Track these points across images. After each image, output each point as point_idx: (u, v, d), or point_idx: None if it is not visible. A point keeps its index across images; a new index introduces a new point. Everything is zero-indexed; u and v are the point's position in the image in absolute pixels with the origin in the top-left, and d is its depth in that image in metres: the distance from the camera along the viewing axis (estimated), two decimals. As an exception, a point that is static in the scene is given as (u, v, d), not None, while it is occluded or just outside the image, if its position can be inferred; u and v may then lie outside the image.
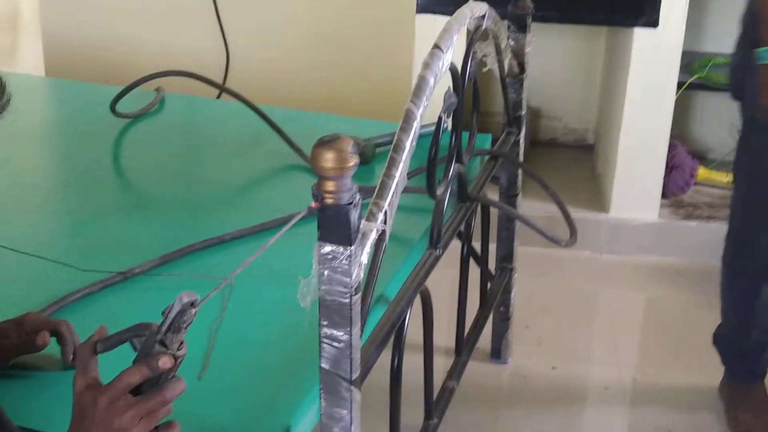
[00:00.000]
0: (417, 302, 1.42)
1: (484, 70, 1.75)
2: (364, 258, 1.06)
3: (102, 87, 2.31)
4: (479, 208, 1.78)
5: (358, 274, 1.04)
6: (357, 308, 1.04)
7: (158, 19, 3.18)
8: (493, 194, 1.97)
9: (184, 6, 3.15)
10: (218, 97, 2.73)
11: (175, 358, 0.97)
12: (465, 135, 1.59)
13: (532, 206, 2.58)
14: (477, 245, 1.83)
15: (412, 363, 1.45)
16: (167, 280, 1.43)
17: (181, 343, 0.98)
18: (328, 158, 0.98)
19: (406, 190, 1.22)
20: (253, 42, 3.14)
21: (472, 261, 1.79)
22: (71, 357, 1.18)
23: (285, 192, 1.79)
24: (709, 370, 2.17)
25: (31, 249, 1.48)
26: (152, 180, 1.87)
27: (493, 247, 2.00)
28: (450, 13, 1.51)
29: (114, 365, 1.00)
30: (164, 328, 0.97)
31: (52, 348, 1.19)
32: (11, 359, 1.20)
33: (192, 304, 0.97)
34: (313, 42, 3.12)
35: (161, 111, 2.15)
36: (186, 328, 0.97)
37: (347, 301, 1.03)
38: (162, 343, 0.97)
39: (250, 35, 3.14)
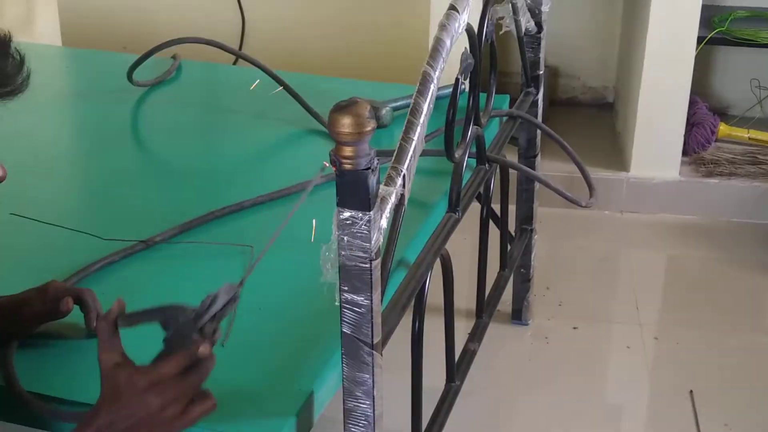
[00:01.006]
0: (437, 265, 1.42)
1: (501, 32, 1.73)
2: (384, 222, 1.06)
3: (118, 55, 2.31)
4: (498, 170, 1.77)
5: (378, 239, 1.04)
6: (377, 273, 1.04)
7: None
8: (512, 155, 1.96)
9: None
10: (234, 63, 2.72)
11: (212, 343, 0.98)
12: (483, 96, 1.58)
13: (551, 166, 2.57)
14: (496, 207, 1.82)
15: (433, 325, 1.45)
16: (188, 248, 1.44)
17: (217, 328, 0.99)
18: (345, 123, 0.97)
19: (424, 153, 1.21)
20: (269, 7, 3.13)
21: (491, 223, 1.78)
22: (94, 324, 1.18)
23: (303, 157, 1.79)
24: (731, 328, 2.17)
25: (53, 218, 1.48)
26: (171, 148, 1.87)
27: (512, 209, 1.99)
28: (466, -27, 1.49)
29: (135, 336, 1.01)
30: (205, 318, 0.98)
31: (76, 316, 1.20)
32: (35, 327, 1.21)
33: (234, 298, 0.98)
34: (329, 6, 3.10)
35: (178, 78, 2.15)
36: (224, 317, 0.99)
37: (367, 266, 1.03)
38: (200, 330, 0.98)
39: (265, 1, 3.12)
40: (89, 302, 1.20)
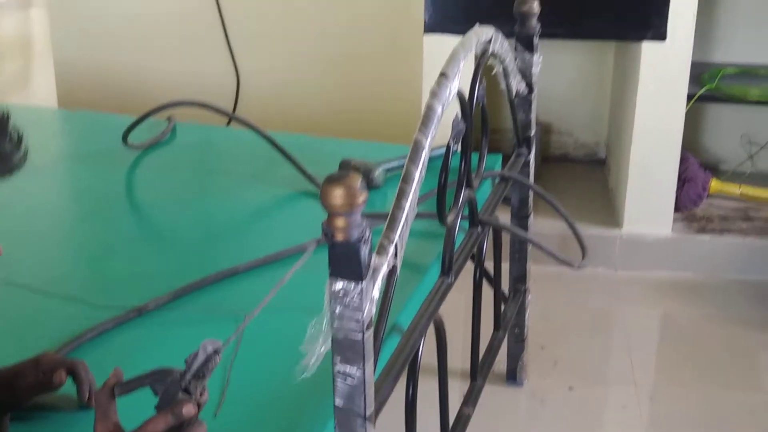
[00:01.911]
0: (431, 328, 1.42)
1: (495, 75, 1.75)
2: (376, 292, 1.06)
3: (113, 117, 2.33)
4: (491, 231, 1.78)
5: (370, 309, 1.04)
6: (370, 344, 1.04)
7: (169, 45, 3.20)
8: (504, 214, 1.97)
9: (194, 33, 3.17)
10: (227, 124, 2.74)
11: (198, 404, 0.98)
12: (475, 156, 1.59)
13: (545, 224, 2.58)
14: (489, 264, 1.82)
15: (427, 387, 1.44)
16: (182, 315, 1.43)
17: (204, 388, 0.99)
18: (337, 195, 0.98)
19: (417, 216, 1.22)
20: (263, 67, 3.16)
21: (485, 282, 1.78)
22: (87, 397, 1.18)
23: (297, 219, 1.80)
24: (726, 386, 2.16)
25: (45, 285, 1.48)
26: (165, 211, 1.87)
27: (506, 267, 1.99)
28: (457, 32, 1.52)
29: (131, 406, 1.01)
30: (188, 376, 0.98)
31: (68, 387, 1.20)
32: (28, 399, 1.20)
33: (215, 352, 0.98)
34: (323, 65, 3.13)
35: (173, 140, 2.16)
36: (209, 374, 0.99)
37: (359, 337, 1.03)
38: (185, 389, 0.98)
39: (259, 60, 3.16)
40: (82, 374, 1.19)
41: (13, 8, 2.81)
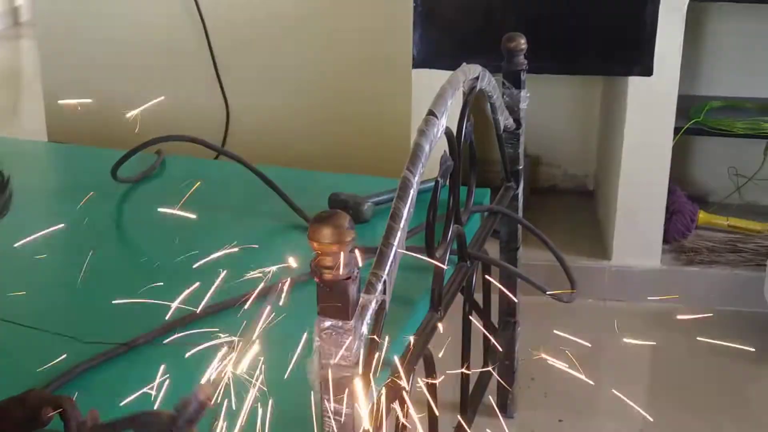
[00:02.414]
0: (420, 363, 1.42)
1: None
2: (365, 329, 1.07)
3: (102, 151, 2.33)
4: (480, 264, 1.78)
5: (359, 346, 1.04)
6: (359, 382, 1.04)
7: (159, 78, 3.21)
8: (493, 247, 1.98)
9: (184, 67, 3.19)
10: (216, 157, 2.75)
11: None
12: (464, 189, 1.60)
13: (534, 255, 2.57)
14: (479, 296, 1.83)
15: (418, 420, 1.44)
16: (171, 350, 1.43)
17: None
18: (326, 234, 0.99)
19: (406, 250, 1.23)
20: (253, 101, 3.17)
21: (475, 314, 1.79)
22: (74, 434, 1.17)
23: (287, 252, 1.79)
24: (716, 418, 2.16)
25: (32, 321, 1.48)
26: (154, 245, 1.87)
27: (495, 298, 2.00)
28: (446, 67, 1.54)
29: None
30: (180, 422, 0.98)
31: (56, 424, 1.19)
32: (14, 438, 1.19)
33: (208, 399, 0.98)
34: (312, 100, 3.15)
35: (162, 174, 2.16)
36: (199, 420, 0.99)
37: (348, 374, 1.03)
38: None
39: (249, 94, 3.17)
40: (69, 411, 1.18)
41: (2, 40, 2.82)
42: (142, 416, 1.01)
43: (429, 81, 2.45)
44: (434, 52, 2.54)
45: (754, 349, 2.44)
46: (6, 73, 2.81)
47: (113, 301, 1.60)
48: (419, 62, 2.56)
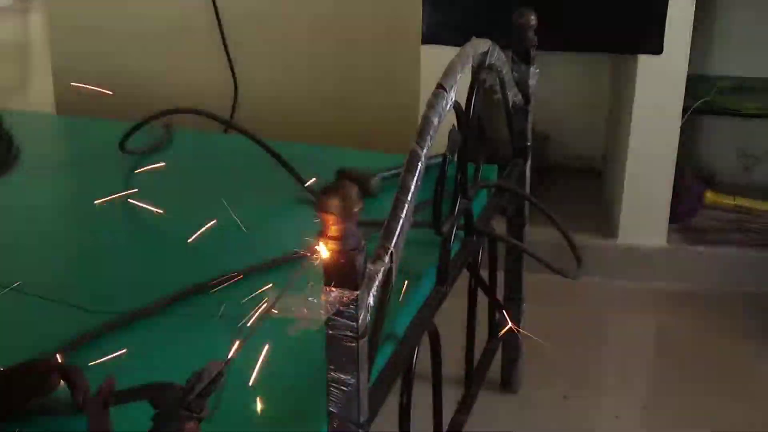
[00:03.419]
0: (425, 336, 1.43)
1: (495, 97, 1.76)
2: (371, 301, 1.07)
3: (110, 123, 2.33)
4: (487, 240, 1.79)
5: (365, 317, 1.05)
6: (364, 352, 1.05)
7: (167, 52, 3.21)
8: (500, 224, 1.98)
9: (192, 40, 3.18)
10: (225, 131, 2.75)
11: (199, 419, 0.99)
12: (471, 166, 1.60)
13: (540, 232, 2.56)
14: (485, 273, 1.83)
15: (422, 394, 1.45)
16: (178, 321, 1.44)
17: (205, 405, 1.00)
18: (333, 205, 0.99)
19: (413, 225, 1.23)
20: (261, 75, 3.17)
21: (480, 290, 1.79)
22: (81, 402, 1.18)
23: (294, 227, 1.79)
24: (720, 397, 2.17)
25: (39, 291, 1.48)
26: (160, 218, 1.87)
27: (501, 275, 2.00)
28: (455, 43, 1.53)
29: (124, 414, 1.01)
30: (191, 396, 0.98)
31: (63, 392, 1.20)
32: (22, 404, 1.20)
33: (220, 374, 0.99)
34: (321, 74, 3.15)
35: (170, 147, 2.16)
36: (211, 394, 0.99)
37: (354, 345, 1.03)
38: (187, 407, 0.98)
39: (258, 68, 3.17)
40: (76, 379, 1.19)
41: (11, 13, 2.82)
42: (156, 387, 1.01)
43: (438, 57, 2.42)
44: (443, 27, 2.52)
45: (760, 329, 2.45)
46: (14, 47, 2.80)
47: (120, 272, 1.62)
48: (428, 38, 2.55)
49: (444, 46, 2.49)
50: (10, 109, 2.52)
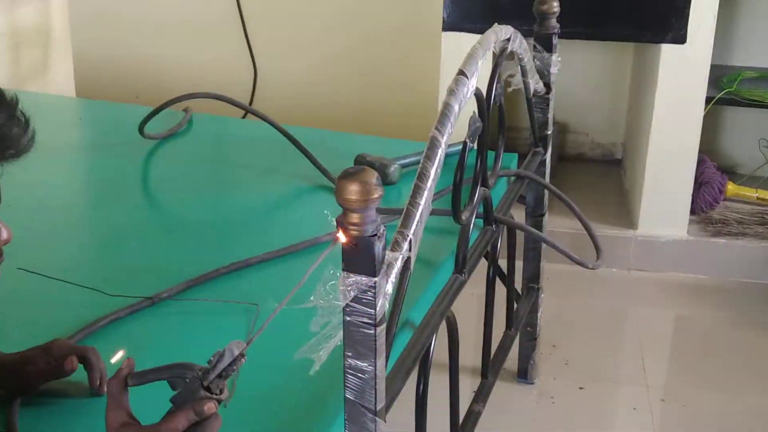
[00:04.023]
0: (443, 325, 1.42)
1: (509, 89, 1.75)
2: (389, 288, 1.06)
3: (130, 107, 2.34)
4: (505, 229, 1.78)
5: (383, 304, 1.04)
6: (382, 339, 1.04)
7: (187, 37, 3.21)
8: (519, 213, 1.97)
9: (213, 25, 3.18)
10: (244, 116, 2.75)
11: (218, 400, 0.99)
12: (491, 154, 1.59)
13: (559, 223, 2.57)
14: (503, 262, 1.82)
15: (438, 383, 1.44)
16: (194, 305, 1.44)
17: (224, 386, 1.00)
18: (353, 190, 0.98)
19: (432, 212, 1.22)
20: (281, 60, 3.16)
21: (498, 279, 1.78)
22: (98, 384, 1.19)
23: (311, 213, 1.80)
24: (739, 389, 2.15)
25: (58, 273, 1.49)
26: (179, 202, 1.88)
27: (519, 264, 1.99)
28: (476, 30, 1.51)
29: (143, 395, 1.01)
30: (212, 376, 0.98)
31: (80, 374, 1.20)
32: (39, 386, 1.21)
33: (241, 355, 0.99)
34: (341, 60, 3.14)
35: (189, 132, 2.17)
36: (231, 375, 0.99)
37: (372, 332, 1.03)
38: (207, 387, 0.98)
39: (277, 54, 3.16)
40: (93, 361, 1.19)
41: (34, -1, 2.83)
42: (176, 367, 1.01)
43: (458, 44, 2.43)
44: (465, 14, 2.51)
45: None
46: (35, 31, 2.81)
47: (139, 256, 1.62)
48: (449, 25, 2.53)
49: (465, 34, 2.48)
50: (31, 91, 2.53)
